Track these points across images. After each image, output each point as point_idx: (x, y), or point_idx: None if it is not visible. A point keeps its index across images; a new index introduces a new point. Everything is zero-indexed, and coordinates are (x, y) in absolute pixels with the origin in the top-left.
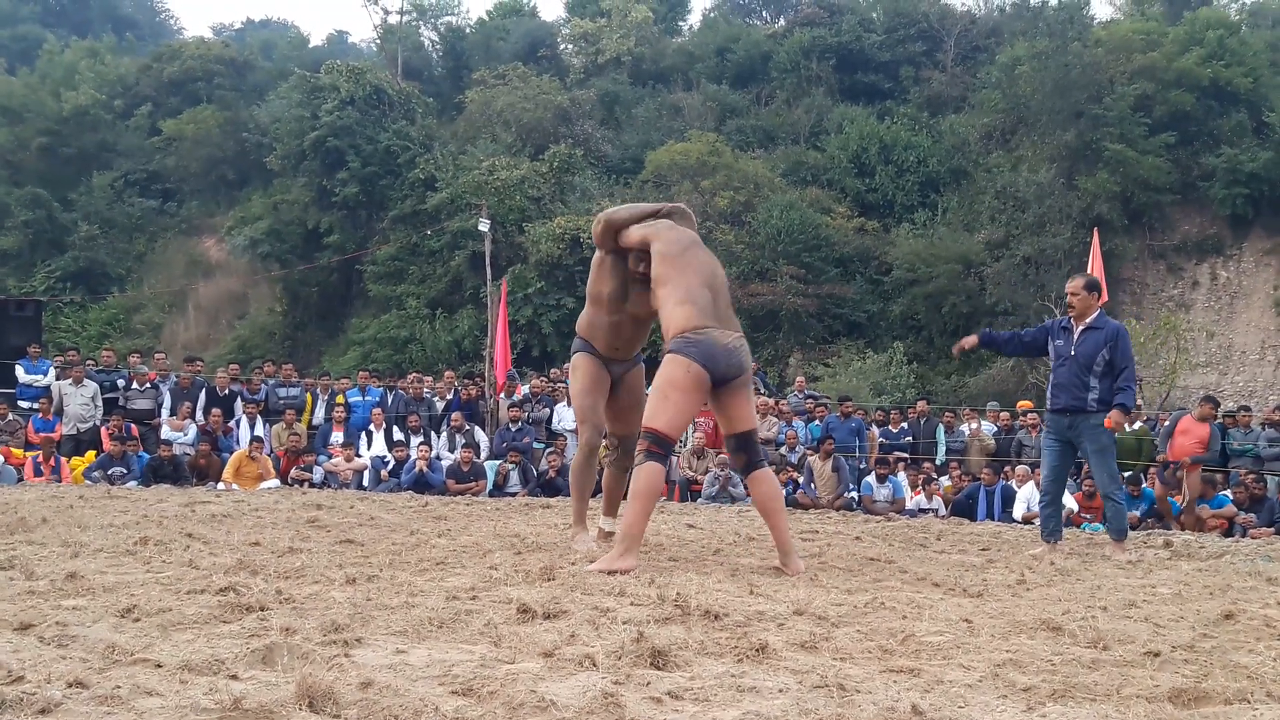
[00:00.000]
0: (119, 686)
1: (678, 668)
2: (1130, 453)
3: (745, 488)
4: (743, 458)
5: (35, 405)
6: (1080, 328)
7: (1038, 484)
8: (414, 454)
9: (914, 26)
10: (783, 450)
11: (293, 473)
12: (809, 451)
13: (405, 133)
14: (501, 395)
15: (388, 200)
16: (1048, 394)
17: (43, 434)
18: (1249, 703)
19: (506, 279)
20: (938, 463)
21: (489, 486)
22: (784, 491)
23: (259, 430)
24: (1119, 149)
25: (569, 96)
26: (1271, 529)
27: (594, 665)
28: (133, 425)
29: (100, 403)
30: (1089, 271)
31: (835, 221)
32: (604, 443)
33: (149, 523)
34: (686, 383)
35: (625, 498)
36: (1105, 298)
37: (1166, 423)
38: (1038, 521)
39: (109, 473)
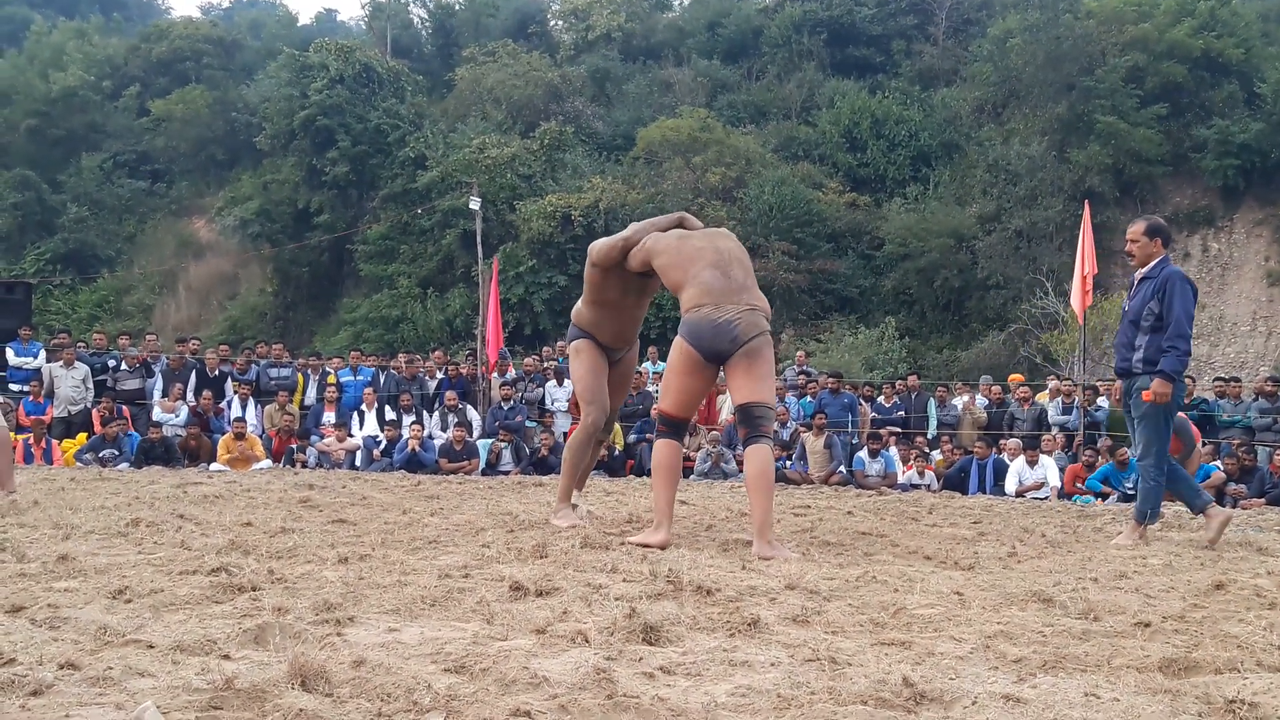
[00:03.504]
0: (111, 668)
1: (670, 643)
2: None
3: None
4: (742, 430)
5: (26, 388)
6: (1138, 278)
7: (1028, 459)
8: (406, 433)
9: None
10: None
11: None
12: (801, 428)
13: (395, 111)
14: (494, 374)
15: (378, 179)
16: None
17: (34, 416)
18: (1239, 672)
19: (498, 257)
20: (929, 437)
21: (481, 465)
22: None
23: (250, 411)
24: (1110, 121)
25: (559, 73)
26: (1262, 499)
27: (586, 641)
28: (124, 407)
29: (91, 385)
30: (1082, 241)
31: (827, 196)
32: None
33: (141, 504)
34: (678, 363)
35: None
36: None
37: None
38: (1133, 514)
39: (100, 455)
